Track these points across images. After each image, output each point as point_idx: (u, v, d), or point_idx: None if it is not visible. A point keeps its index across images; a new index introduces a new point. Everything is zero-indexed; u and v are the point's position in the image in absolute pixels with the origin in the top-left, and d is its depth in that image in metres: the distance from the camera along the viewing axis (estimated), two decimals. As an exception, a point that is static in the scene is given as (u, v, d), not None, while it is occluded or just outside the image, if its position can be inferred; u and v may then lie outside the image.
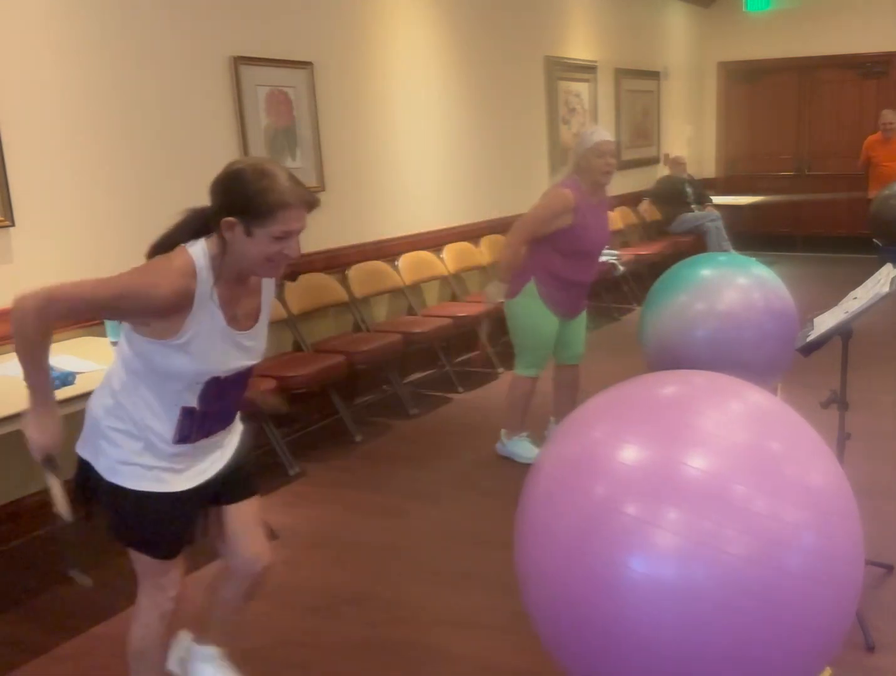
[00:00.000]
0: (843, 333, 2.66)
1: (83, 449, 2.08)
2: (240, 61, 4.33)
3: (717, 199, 9.26)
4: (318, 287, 4.77)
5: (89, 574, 3.23)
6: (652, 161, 9.20)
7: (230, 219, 1.81)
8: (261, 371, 4.19)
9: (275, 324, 4.61)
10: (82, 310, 1.95)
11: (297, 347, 4.73)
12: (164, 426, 1.96)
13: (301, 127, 4.72)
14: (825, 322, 2.78)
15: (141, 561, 2.11)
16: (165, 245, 1.91)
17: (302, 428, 4.66)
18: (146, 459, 1.98)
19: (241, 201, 1.80)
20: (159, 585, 2.11)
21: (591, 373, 5.43)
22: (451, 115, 5.94)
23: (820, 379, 3.19)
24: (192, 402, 1.95)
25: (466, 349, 5.85)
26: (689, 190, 8.72)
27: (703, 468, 1.69)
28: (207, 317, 1.87)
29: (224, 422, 2.08)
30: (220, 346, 1.91)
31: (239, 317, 1.96)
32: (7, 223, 3.41)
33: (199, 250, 1.88)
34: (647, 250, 7.83)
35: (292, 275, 2.10)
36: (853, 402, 2.83)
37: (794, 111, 10.11)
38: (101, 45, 3.72)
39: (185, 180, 4.14)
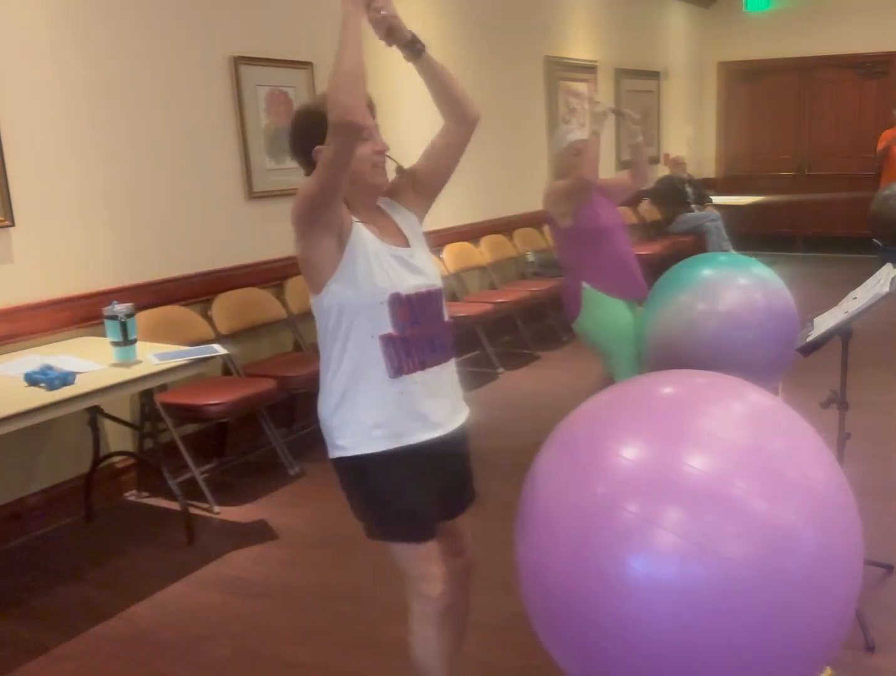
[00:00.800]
0: (843, 333, 2.66)
1: (331, 455, 2.09)
2: (240, 61, 4.33)
3: (717, 199, 9.26)
4: (318, 287, 4.77)
5: (89, 574, 3.23)
6: (652, 161, 9.20)
7: (318, 147, 1.86)
8: (260, 370, 4.20)
9: (275, 324, 4.62)
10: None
11: (298, 347, 4.73)
12: (377, 365, 1.93)
13: (301, 127, 4.72)
14: (825, 322, 2.78)
15: (397, 553, 2.05)
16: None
17: (302, 428, 4.65)
18: (376, 416, 1.96)
19: (316, 128, 1.85)
20: (425, 574, 2.04)
21: (591, 373, 5.43)
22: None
23: (820, 379, 3.18)
24: (389, 329, 1.92)
25: (466, 349, 5.86)
26: (689, 190, 8.72)
27: (704, 468, 1.69)
28: (360, 235, 1.91)
29: (432, 350, 2.01)
30: (382, 259, 1.93)
31: (388, 237, 1.98)
32: (7, 223, 3.42)
33: None
34: (647, 250, 7.82)
35: (398, 170, 2.14)
36: (853, 402, 2.83)
37: (794, 111, 10.11)
38: (101, 46, 3.72)
39: (186, 180, 4.15)
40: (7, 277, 3.47)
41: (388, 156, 1.99)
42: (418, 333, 1.97)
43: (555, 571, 1.78)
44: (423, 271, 2.00)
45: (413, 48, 2.04)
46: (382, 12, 1.93)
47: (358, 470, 2.02)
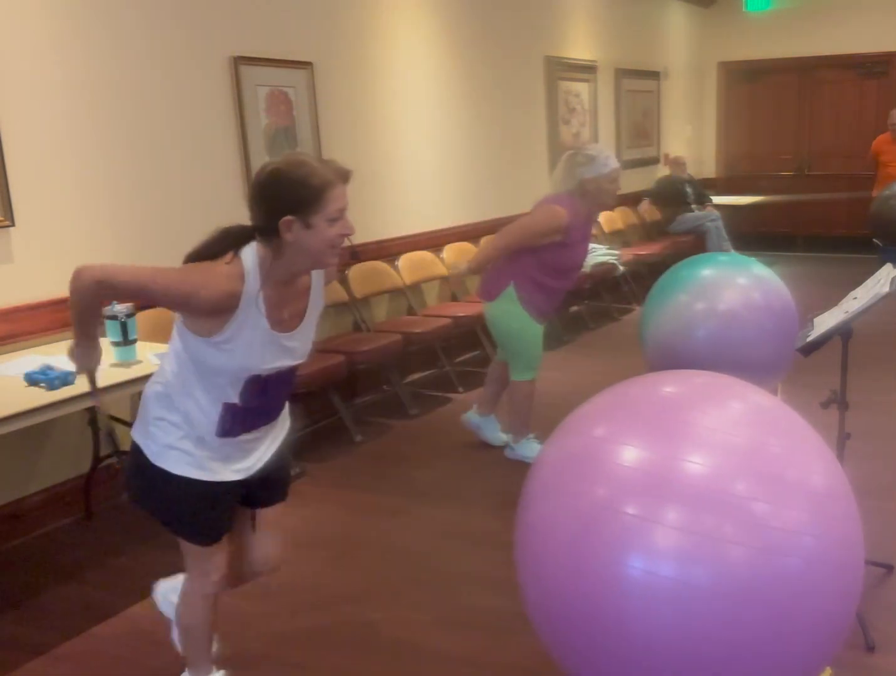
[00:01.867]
0: (843, 333, 2.66)
1: (136, 432, 2.11)
2: (240, 61, 4.33)
3: (717, 199, 9.26)
4: (318, 287, 4.78)
5: (89, 574, 3.23)
6: (652, 161, 9.20)
7: (287, 218, 1.84)
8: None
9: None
10: (132, 295, 2.04)
11: (297, 347, 4.73)
12: (208, 419, 2.02)
13: (301, 127, 4.72)
14: (825, 322, 2.78)
15: (186, 545, 2.18)
16: (199, 257, 1.94)
17: (302, 428, 4.65)
18: (190, 447, 2.04)
19: (290, 196, 1.84)
20: (203, 570, 2.19)
21: (591, 373, 5.44)
22: (451, 115, 5.94)
23: (820, 379, 3.18)
24: (234, 398, 2.00)
25: (466, 349, 5.86)
26: (689, 190, 8.72)
27: (704, 468, 1.69)
28: (251, 319, 1.91)
29: (266, 418, 2.12)
30: (262, 347, 1.96)
31: (285, 318, 1.99)
32: (7, 223, 3.42)
33: (248, 254, 1.91)
34: (647, 250, 7.83)
35: (353, 255, 2.14)
36: (853, 402, 2.83)
37: (794, 111, 10.11)
38: (101, 45, 3.72)
39: (186, 180, 4.15)
40: (7, 277, 3.47)
41: (348, 239, 1.97)
42: (260, 404, 2.06)
43: (555, 571, 1.78)
44: (294, 352, 2.05)
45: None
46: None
47: (159, 476, 2.07)
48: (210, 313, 1.88)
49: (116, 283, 1.95)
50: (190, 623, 2.30)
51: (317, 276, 2.08)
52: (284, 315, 1.99)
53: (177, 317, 2.00)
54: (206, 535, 2.15)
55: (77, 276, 1.96)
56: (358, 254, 2.15)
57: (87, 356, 2.11)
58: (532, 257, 3.82)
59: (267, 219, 1.88)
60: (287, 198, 1.84)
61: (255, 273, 1.90)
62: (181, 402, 2.02)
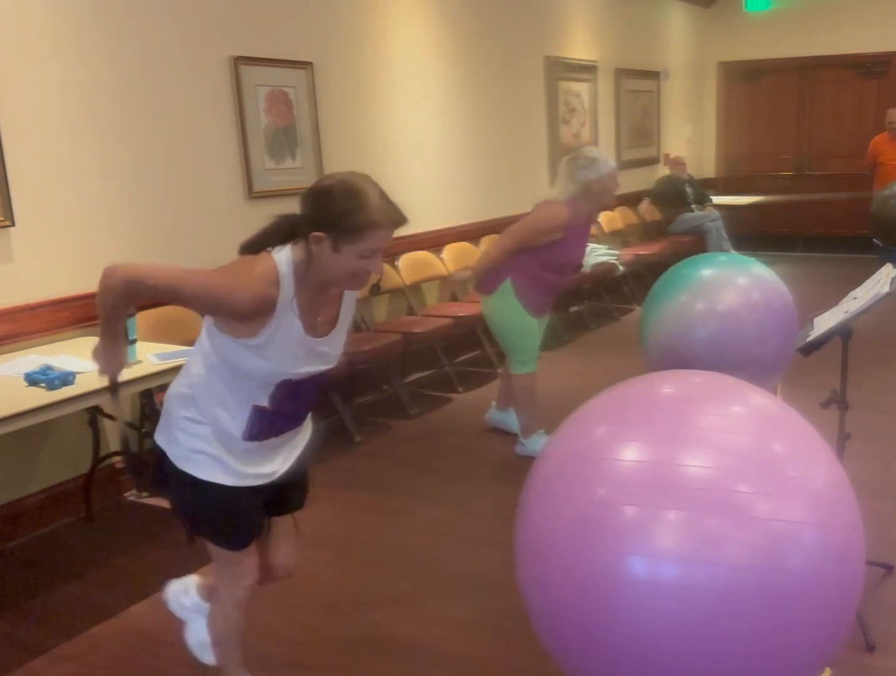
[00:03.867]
0: (843, 333, 2.66)
1: (159, 437, 2.08)
2: (240, 61, 4.33)
3: (717, 199, 9.26)
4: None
5: (89, 574, 3.23)
6: (652, 161, 9.20)
7: (318, 233, 1.81)
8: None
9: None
10: (163, 297, 1.95)
11: (297, 347, 4.73)
12: (235, 422, 1.99)
13: (301, 127, 4.72)
14: (825, 322, 2.78)
15: (215, 551, 2.14)
16: (254, 247, 1.87)
17: (313, 435, 4.65)
18: (216, 450, 2.01)
19: (329, 218, 1.80)
20: (234, 574, 2.15)
21: (591, 373, 5.44)
22: (450, 115, 5.94)
23: (820, 379, 3.18)
24: (264, 401, 1.97)
25: (466, 349, 5.85)
26: (689, 190, 8.72)
27: (704, 468, 1.69)
28: (286, 323, 1.89)
29: (294, 422, 2.10)
30: (296, 352, 1.93)
31: (318, 324, 1.97)
32: (7, 223, 3.41)
33: (283, 258, 1.87)
34: (647, 250, 7.83)
35: (373, 288, 2.14)
36: (853, 402, 2.83)
37: (794, 111, 10.11)
38: (101, 46, 3.72)
39: (186, 180, 4.15)
40: (7, 277, 3.47)
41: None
42: (289, 409, 2.04)
43: (555, 571, 1.78)
44: (326, 357, 2.02)
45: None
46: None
47: (184, 481, 2.04)
48: (245, 317, 1.84)
49: (147, 284, 1.89)
50: (223, 631, 2.27)
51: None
52: (317, 320, 1.96)
53: (207, 320, 1.96)
54: (237, 540, 2.12)
55: (107, 275, 1.89)
56: (378, 289, 2.13)
57: (111, 357, 2.06)
58: (530, 254, 3.88)
59: (304, 224, 1.84)
60: (325, 218, 1.81)
61: (290, 277, 1.86)
62: (207, 405, 1.99)
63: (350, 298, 2.07)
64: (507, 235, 3.95)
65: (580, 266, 4.15)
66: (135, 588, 3.09)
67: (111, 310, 1.95)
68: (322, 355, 2.00)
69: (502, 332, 4.14)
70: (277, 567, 2.30)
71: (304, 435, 2.21)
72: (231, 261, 1.90)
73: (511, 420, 4.40)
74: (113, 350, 2.05)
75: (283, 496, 2.20)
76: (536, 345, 4.12)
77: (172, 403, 2.05)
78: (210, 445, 2.00)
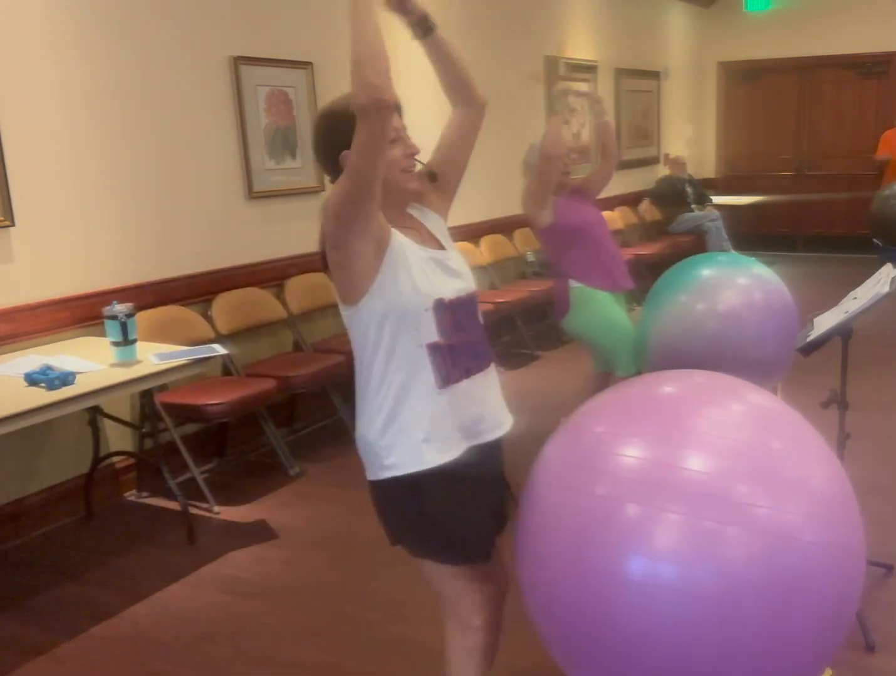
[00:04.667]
0: (843, 333, 2.66)
1: (377, 476, 1.90)
2: (240, 61, 4.33)
3: (717, 199, 9.26)
4: (319, 287, 4.77)
5: (89, 574, 3.23)
6: (652, 161, 9.20)
7: (345, 152, 1.74)
8: (260, 370, 4.21)
9: (275, 324, 4.62)
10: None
11: (298, 347, 4.73)
12: (424, 380, 1.83)
13: (301, 127, 4.72)
14: (825, 322, 2.78)
15: (440, 576, 1.92)
16: None
17: (302, 428, 4.66)
18: (427, 430, 1.84)
19: (341, 131, 1.76)
20: (458, 615, 1.93)
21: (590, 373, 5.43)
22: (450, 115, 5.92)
23: (820, 379, 3.18)
24: (435, 337, 1.84)
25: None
26: (689, 190, 8.72)
27: (704, 468, 1.69)
28: (398, 244, 1.83)
29: (475, 358, 1.93)
30: (425, 265, 1.85)
31: (426, 240, 1.92)
32: (7, 223, 3.42)
33: None
34: (647, 250, 7.83)
35: (431, 175, 2.06)
36: (853, 402, 2.83)
37: (794, 111, 10.11)
38: (101, 46, 3.72)
39: (185, 180, 4.15)
40: (7, 277, 3.47)
41: (417, 160, 1.91)
42: (462, 340, 1.89)
43: (555, 571, 1.78)
44: (461, 274, 1.93)
45: (423, 26, 2.00)
46: None
47: (409, 490, 1.86)
48: (379, 236, 1.77)
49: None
50: None
51: (418, 213, 1.98)
52: (423, 239, 1.91)
53: (345, 317, 1.86)
54: (469, 546, 1.90)
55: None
56: (436, 175, 2.05)
57: None
58: (557, 238, 3.81)
59: (332, 162, 1.81)
60: (337, 133, 1.79)
61: None
62: (388, 397, 1.84)
63: (432, 220, 1.99)
64: (527, 198, 3.81)
65: (602, 221, 3.99)
66: (135, 588, 3.09)
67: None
68: (453, 271, 1.91)
69: (594, 342, 3.96)
70: (502, 584, 2.04)
71: (505, 414, 2.02)
72: None
73: None
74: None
75: (500, 502, 2.01)
76: (630, 344, 3.87)
77: (369, 438, 1.88)
78: (415, 431, 1.84)
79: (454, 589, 1.93)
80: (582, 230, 3.83)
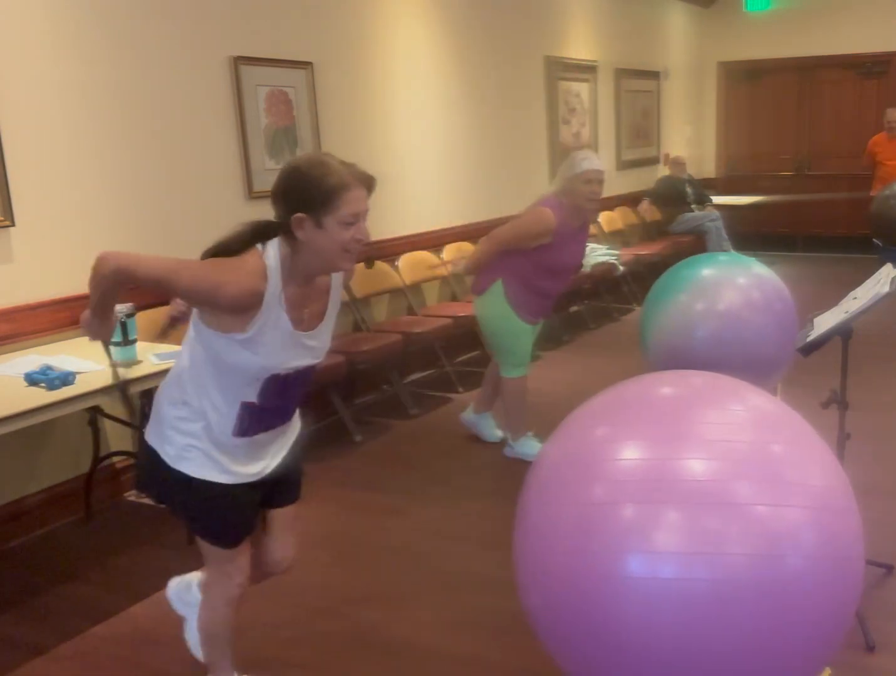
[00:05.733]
0: (843, 333, 2.66)
1: (150, 437, 2.10)
2: (240, 61, 4.33)
3: (717, 199, 9.26)
4: (318, 287, 4.78)
5: (89, 574, 3.23)
6: (652, 161, 9.20)
7: (299, 214, 1.84)
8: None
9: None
10: (154, 287, 1.96)
11: (297, 347, 4.72)
12: (225, 420, 2.01)
13: (301, 127, 4.72)
14: (825, 322, 2.78)
15: (207, 548, 2.15)
16: (220, 253, 1.90)
17: (302, 428, 4.65)
18: (209, 448, 2.03)
19: (304, 194, 1.84)
20: (226, 572, 2.16)
21: (591, 373, 5.44)
22: (450, 115, 5.94)
23: (820, 379, 3.18)
24: (252, 398, 1.99)
25: (466, 349, 5.85)
26: (689, 190, 8.72)
27: (703, 468, 1.69)
28: (273, 318, 1.90)
29: (283, 418, 2.12)
30: (284, 346, 1.94)
31: (305, 318, 1.98)
32: (7, 223, 3.41)
33: (271, 252, 1.90)
34: (647, 250, 7.83)
35: (368, 261, 2.13)
36: (853, 402, 2.83)
37: (794, 111, 10.11)
38: (101, 45, 3.72)
39: (185, 180, 4.15)
40: (7, 277, 3.47)
41: (364, 245, 1.95)
42: (277, 405, 2.05)
43: (555, 572, 1.78)
44: (313, 351, 2.04)
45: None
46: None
47: (178, 480, 2.05)
48: (233, 311, 1.86)
49: (136, 274, 1.90)
50: (212, 628, 2.27)
51: (336, 276, 2.07)
52: (304, 314, 1.97)
53: (195, 315, 1.98)
54: (229, 537, 2.14)
55: (99, 262, 1.91)
56: (373, 262, 2.13)
57: (99, 328, 2.07)
58: (523, 257, 3.82)
59: (284, 215, 1.88)
60: (300, 196, 1.84)
61: (278, 271, 1.88)
62: (197, 403, 2.01)
63: (336, 291, 2.08)
64: (493, 237, 3.87)
65: (577, 268, 4.08)
66: (135, 588, 3.09)
67: (101, 296, 1.96)
68: (310, 349, 2.02)
69: (492, 334, 4.07)
70: (277, 562, 2.31)
71: (293, 430, 2.23)
72: (220, 259, 1.91)
73: (484, 425, 4.37)
74: (102, 322, 2.06)
75: (276, 489, 2.21)
76: (528, 349, 4.05)
77: (162, 402, 2.07)
78: (202, 442, 2.02)
79: (224, 557, 2.15)
80: (552, 274, 3.89)
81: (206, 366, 1.98)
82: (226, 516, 2.11)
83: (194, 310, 1.98)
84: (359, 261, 2.06)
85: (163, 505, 2.20)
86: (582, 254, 4.06)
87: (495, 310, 3.95)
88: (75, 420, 3.59)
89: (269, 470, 2.14)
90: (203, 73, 4.19)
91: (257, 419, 2.03)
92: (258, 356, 1.91)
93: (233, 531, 2.14)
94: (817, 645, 1.74)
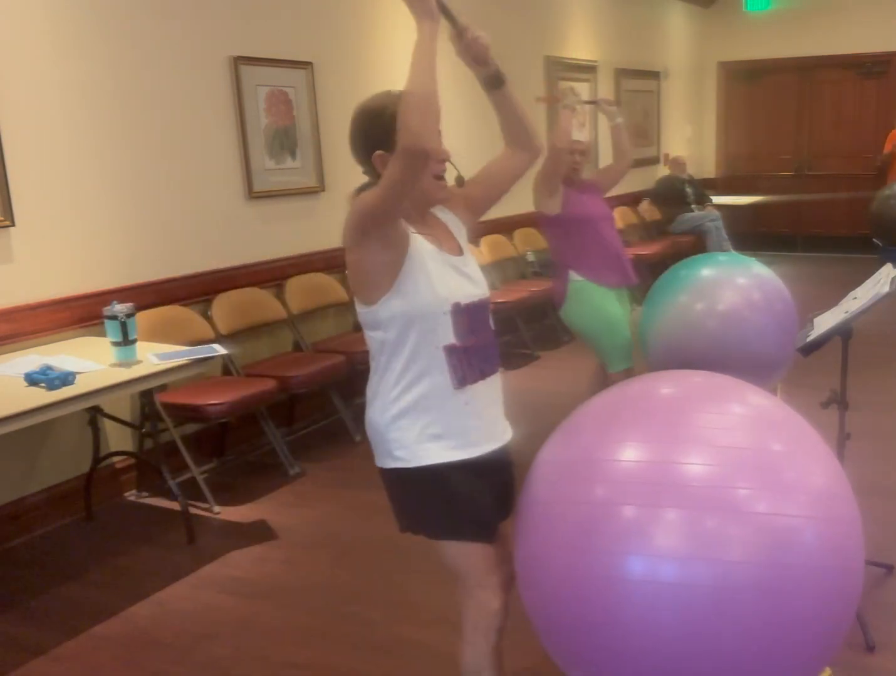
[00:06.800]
0: (843, 333, 2.66)
1: (385, 465, 2.02)
2: (240, 61, 4.33)
3: (717, 199, 9.26)
4: (319, 287, 4.77)
5: (89, 574, 3.23)
6: (652, 161, 9.20)
7: (378, 152, 1.83)
8: (260, 370, 4.21)
9: (275, 324, 4.62)
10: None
11: (297, 347, 4.73)
12: (439, 378, 1.90)
13: (301, 127, 4.72)
14: (825, 322, 2.78)
15: (459, 556, 1.98)
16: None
17: (302, 428, 4.66)
18: (439, 430, 1.92)
19: (375, 130, 1.83)
20: (484, 586, 1.98)
21: (590, 373, 5.43)
22: (450, 115, 5.91)
23: (820, 379, 3.18)
24: (451, 339, 1.90)
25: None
26: (689, 190, 8.72)
27: (703, 468, 1.69)
28: (418, 248, 1.88)
29: (488, 361, 2.00)
30: (443, 270, 1.90)
31: (444, 246, 1.96)
32: (7, 223, 3.42)
33: None
34: (647, 250, 7.82)
35: (458, 181, 2.12)
36: (853, 402, 2.83)
37: (794, 111, 10.11)
38: (101, 45, 3.72)
39: (185, 180, 4.15)
40: (7, 277, 3.47)
41: (450, 163, 1.96)
42: (476, 343, 1.95)
43: (554, 572, 1.78)
44: (476, 280, 1.99)
45: (496, 80, 2.11)
46: (482, 41, 2.07)
47: (415, 480, 1.95)
48: (399, 244, 1.83)
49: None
50: (479, 669, 2.02)
51: (447, 217, 2.04)
52: (442, 243, 1.95)
53: (361, 313, 1.92)
54: (481, 526, 1.97)
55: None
56: (463, 181, 2.11)
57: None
58: (561, 230, 3.84)
59: (365, 160, 1.86)
60: (371, 132, 1.84)
61: None
62: (404, 392, 1.92)
63: (457, 228, 2.05)
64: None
65: (611, 219, 4.02)
66: (135, 588, 3.09)
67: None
68: (468, 276, 1.97)
69: (591, 337, 3.96)
70: (509, 581, 2.07)
71: (507, 424, 2.10)
72: None
73: None
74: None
75: (505, 494, 2.07)
76: (628, 335, 3.91)
77: (373, 422, 1.99)
78: (429, 427, 1.92)
79: (475, 576, 1.98)
80: (586, 223, 3.85)
81: (398, 347, 1.90)
82: (469, 499, 1.94)
83: (360, 317, 1.94)
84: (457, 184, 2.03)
85: (432, 537, 2.00)
86: (603, 205, 4.02)
87: (583, 309, 3.87)
88: (75, 420, 3.59)
89: (499, 442, 2.01)
90: (203, 73, 4.19)
91: (467, 362, 1.93)
92: (427, 284, 1.85)
93: (480, 515, 1.97)
94: (817, 647, 1.74)
